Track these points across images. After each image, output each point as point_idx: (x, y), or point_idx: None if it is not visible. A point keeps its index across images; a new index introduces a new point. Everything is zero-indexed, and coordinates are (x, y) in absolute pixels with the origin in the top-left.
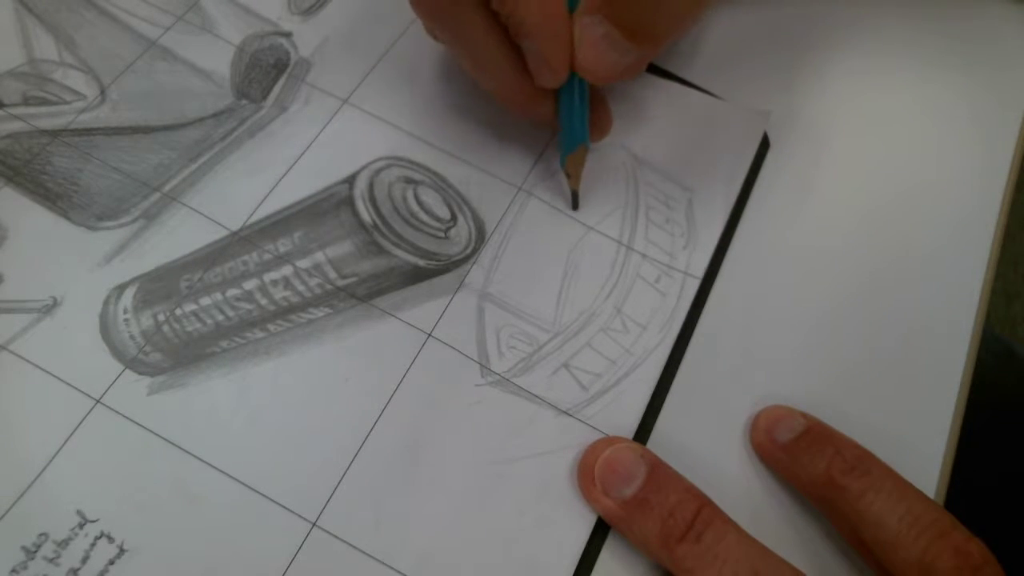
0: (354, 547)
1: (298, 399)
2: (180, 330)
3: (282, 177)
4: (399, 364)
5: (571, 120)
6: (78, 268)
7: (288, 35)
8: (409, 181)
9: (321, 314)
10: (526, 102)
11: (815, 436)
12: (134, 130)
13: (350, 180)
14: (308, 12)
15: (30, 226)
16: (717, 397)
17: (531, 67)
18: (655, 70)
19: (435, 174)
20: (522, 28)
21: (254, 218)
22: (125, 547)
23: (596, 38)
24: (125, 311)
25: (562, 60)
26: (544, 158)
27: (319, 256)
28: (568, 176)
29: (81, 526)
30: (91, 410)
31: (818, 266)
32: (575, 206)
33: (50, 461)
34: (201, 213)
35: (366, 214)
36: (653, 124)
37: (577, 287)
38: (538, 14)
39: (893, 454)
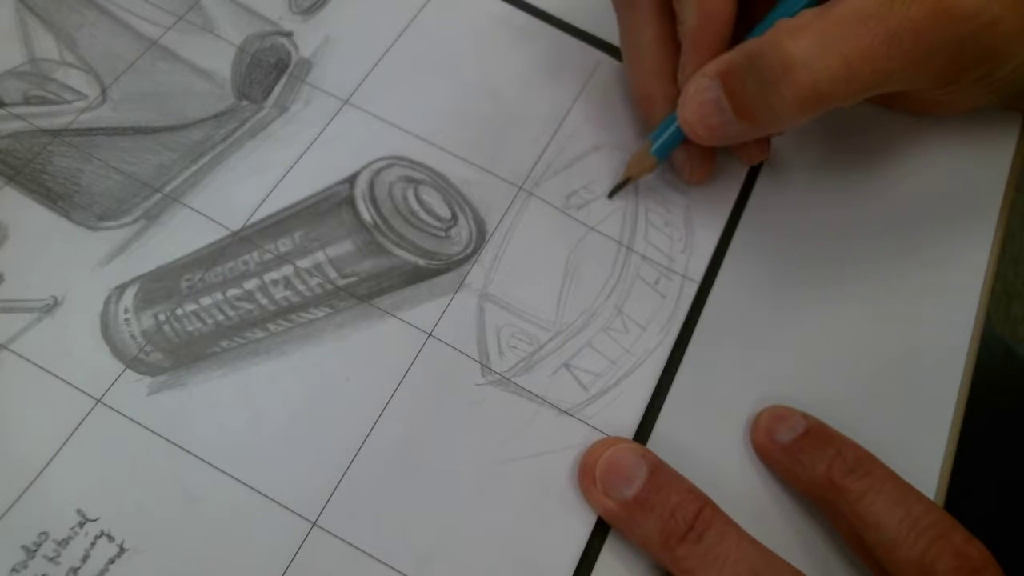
0: (354, 547)
1: (298, 399)
2: (181, 330)
3: (283, 177)
4: (399, 364)
5: (661, 130)
6: (79, 268)
7: (289, 35)
8: (410, 180)
9: (321, 314)
10: (647, 98)
11: (815, 437)
12: (135, 131)
13: (351, 180)
14: (309, 12)
15: (31, 226)
16: (717, 397)
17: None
18: None
19: (436, 173)
20: (683, 26)
21: (255, 218)
22: (125, 546)
23: (706, 99)
24: (126, 311)
25: (694, 68)
26: (544, 158)
27: (320, 256)
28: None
29: (81, 525)
30: (91, 410)
31: (817, 267)
32: (610, 194)
33: (50, 461)
34: (202, 213)
35: (367, 213)
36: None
37: (578, 287)
38: (695, 16)
39: (893, 454)
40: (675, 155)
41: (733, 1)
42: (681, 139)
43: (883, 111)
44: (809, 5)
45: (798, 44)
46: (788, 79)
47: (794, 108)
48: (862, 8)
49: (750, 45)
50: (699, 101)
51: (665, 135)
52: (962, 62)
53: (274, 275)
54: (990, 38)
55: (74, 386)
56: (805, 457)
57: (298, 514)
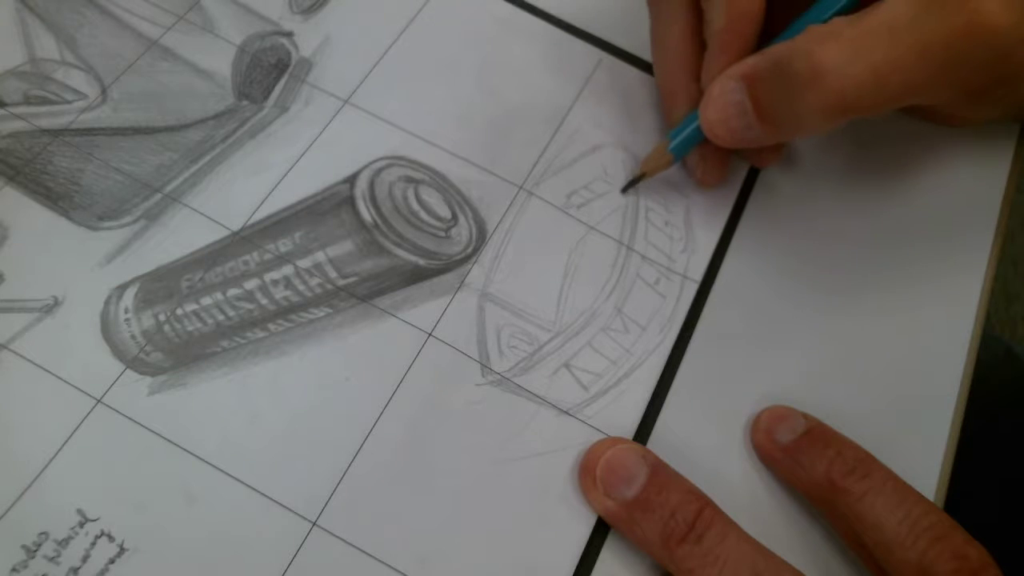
0: (354, 547)
1: (298, 399)
2: (181, 330)
3: (283, 177)
4: (399, 364)
5: (681, 129)
6: (79, 268)
7: (289, 35)
8: (410, 180)
9: (321, 314)
10: (670, 94)
11: (816, 437)
12: (136, 131)
13: (351, 180)
14: (309, 11)
15: (31, 225)
16: (717, 397)
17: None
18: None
19: (436, 173)
20: (710, 26)
21: (255, 218)
22: (125, 546)
23: (729, 101)
24: (126, 311)
25: (719, 69)
26: (544, 158)
27: (320, 256)
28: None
29: (81, 525)
30: (92, 410)
31: (817, 267)
32: (623, 189)
33: (51, 461)
34: (202, 213)
35: (367, 213)
36: (652, 126)
37: (578, 287)
38: (723, 17)
39: (893, 455)
40: (689, 156)
41: (762, 4)
42: (699, 139)
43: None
44: (840, 11)
45: (828, 52)
46: (816, 87)
47: (819, 116)
48: (894, 19)
49: (778, 50)
50: (722, 103)
51: (684, 134)
52: (989, 78)
53: (274, 275)
54: (1021, 56)
55: (74, 386)
56: (805, 458)
57: (298, 514)
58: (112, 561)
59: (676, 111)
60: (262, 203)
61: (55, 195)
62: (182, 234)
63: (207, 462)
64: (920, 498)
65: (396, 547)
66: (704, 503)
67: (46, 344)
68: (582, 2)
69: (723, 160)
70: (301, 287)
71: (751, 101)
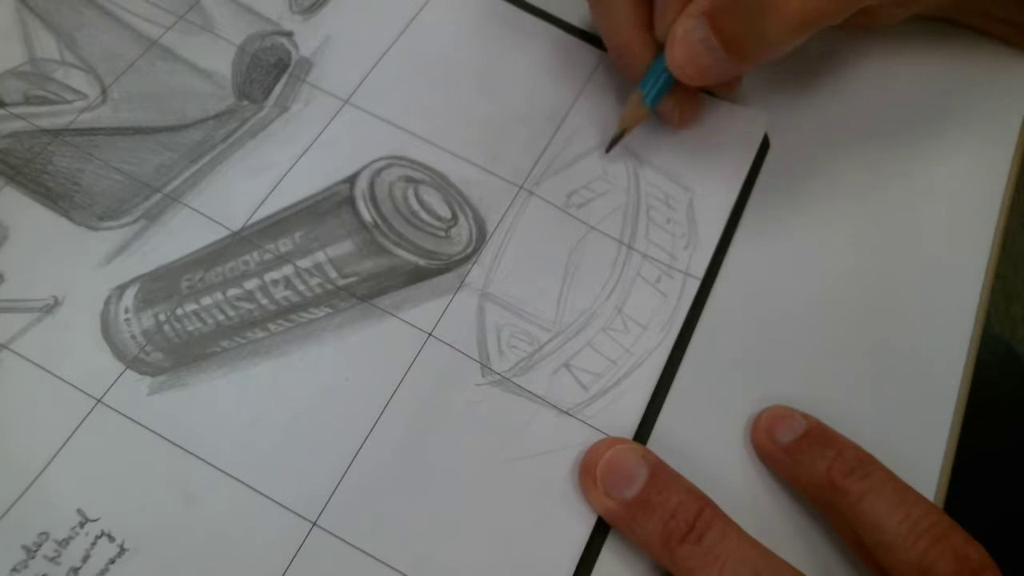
0: (354, 547)
1: (298, 399)
2: (181, 330)
3: (283, 177)
4: (399, 364)
5: (650, 79)
6: (79, 268)
7: (289, 35)
8: (410, 180)
9: (321, 314)
10: (624, 49)
11: (816, 437)
12: (135, 131)
13: (351, 179)
14: (309, 11)
15: (31, 226)
16: (717, 397)
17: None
18: None
19: (436, 173)
20: None
21: (255, 218)
22: (125, 546)
23: (694, 40)
24: (126, 311)
25: (675, 11)
26: (545, 158)
27: (320, 256)
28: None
29: (82, 525)
30: (92, 410)
31: (818, 266)
32: (607, 149)
33: (51, 461)
34: (202, 213)
35: (367, 213)
36: (654, 124)
37: (578, 287)
38: None
39: (893, 455)
40: (661, 106)
41: None
42: (670, 85)
43: (888, 107)
44: None
45: None
46: (778, 5)
47: (785, 34)
48: None
49: None
50: (688, 41)
51: (654, 82)
52: None
53: (274, 275)
54: None
55: (74, 386)
56: (805, 458)
57: (298, 514)
58: (112, 561)
59: (635, 65)
60: (262, 203)
61: (55, 195)
62: (182, 234)
63: (207, 462)
64: (920, 498)
65: (396, 547)
66: (704, 503)
67: (46, 344)
68: (582, 2)
69: (696, 98)
70: (301, 287)
71: (716, 35)
